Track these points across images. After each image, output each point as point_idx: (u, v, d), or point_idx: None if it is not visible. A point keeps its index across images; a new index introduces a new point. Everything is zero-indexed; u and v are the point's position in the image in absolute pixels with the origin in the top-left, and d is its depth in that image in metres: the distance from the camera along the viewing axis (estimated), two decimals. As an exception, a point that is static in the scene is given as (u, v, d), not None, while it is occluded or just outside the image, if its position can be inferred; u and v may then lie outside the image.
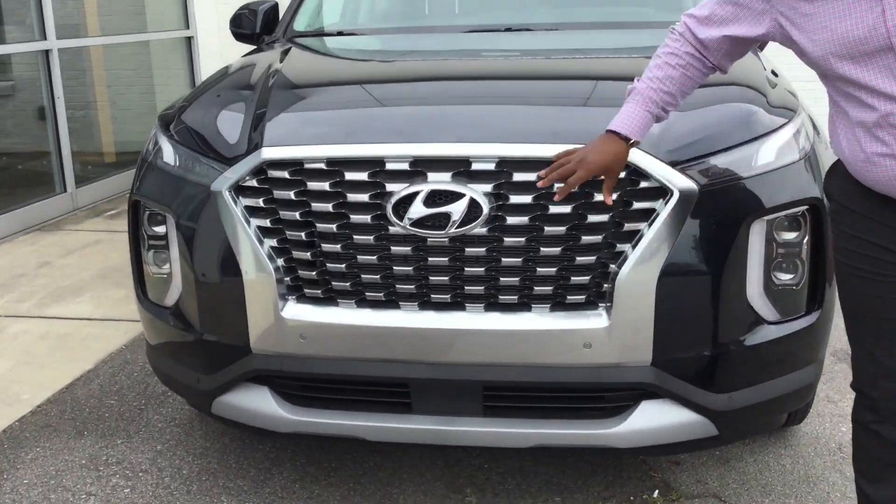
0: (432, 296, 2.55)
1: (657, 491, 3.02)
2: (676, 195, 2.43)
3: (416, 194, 2.46)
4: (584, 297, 2.50)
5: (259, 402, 2.74)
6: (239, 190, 2.62)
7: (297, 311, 2.61)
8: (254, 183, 2.61)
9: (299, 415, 2.71)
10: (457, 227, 2.45)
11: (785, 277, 2.63)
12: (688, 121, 2.58)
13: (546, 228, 2.46)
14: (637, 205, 2.46)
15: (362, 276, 2.56)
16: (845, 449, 3.23)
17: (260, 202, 2.60)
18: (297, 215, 2.57)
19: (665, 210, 2.44)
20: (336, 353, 2.61)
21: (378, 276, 2.55)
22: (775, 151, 2.60)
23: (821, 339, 2.74)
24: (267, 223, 2.60)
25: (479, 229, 2.46)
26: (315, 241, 2.58)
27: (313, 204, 2.55)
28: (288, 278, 2.61)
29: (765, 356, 2.62)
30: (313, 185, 2.55)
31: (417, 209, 2.46)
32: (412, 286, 2.54)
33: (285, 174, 2.57)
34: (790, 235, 2.61)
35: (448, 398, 2.63)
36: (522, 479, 3.11)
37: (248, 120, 2.75)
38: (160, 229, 2.88)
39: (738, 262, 2.52)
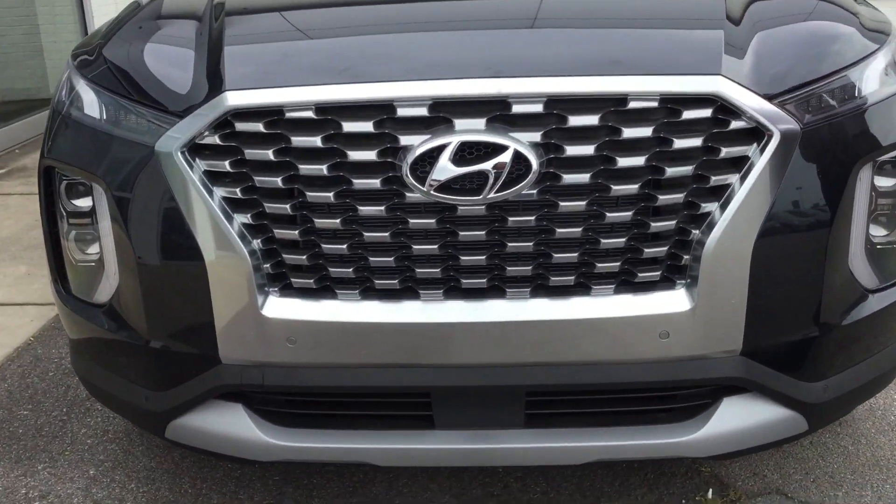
0: (463, 280, 1.95)
1: (711, 490, 2.53)
2: (777, 137, 1.89)
3: (441, 148, 1.85)
4: (658, 273, 1.94)
5: (232, 425, 2.11)
6: (195, 150, 1.96)
7: (282, 308, 1.98)
8: (216, 140, 1.95)
9: (286, 438, 2.09)
10: (497, 191, 1.85)
11: (883, 234, 2.12)
12: (780, 40, 2.03)
13: (613, 187, 1.88)
14: (726, 151, 1.90)
15: (370, 258, 1.95)
16: (906, 422, 2.80)
17: (226, 165, 1.94)
18: (279, 181, 1.92)
19: (763, 157, 1.89)
20: (336, 359, 1.99)
21: (392, 259, 1.94)
22: (878, 79, 2.07)
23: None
24: (237, 193, 1.95)
25: (527, 191, 1.87)
26: (305, 214, 1.94)
27: (301, 166, 1.91)
28: (268, 264, 1.98)
29: (865, 331, 2.13)
30: (299, 141, 1.91)
31: (444, 168, 1.84)
32: (437, 269, 1.94)
33: (259, 126, 1.92)
34: (892, 182, 2.10)
35: (481, 408, 2.06)
36: (549, 484, 2.58)
37: (202, 55, 2.07)
38: (83, 203, 2.19)
39: (845, 218, 2.00)
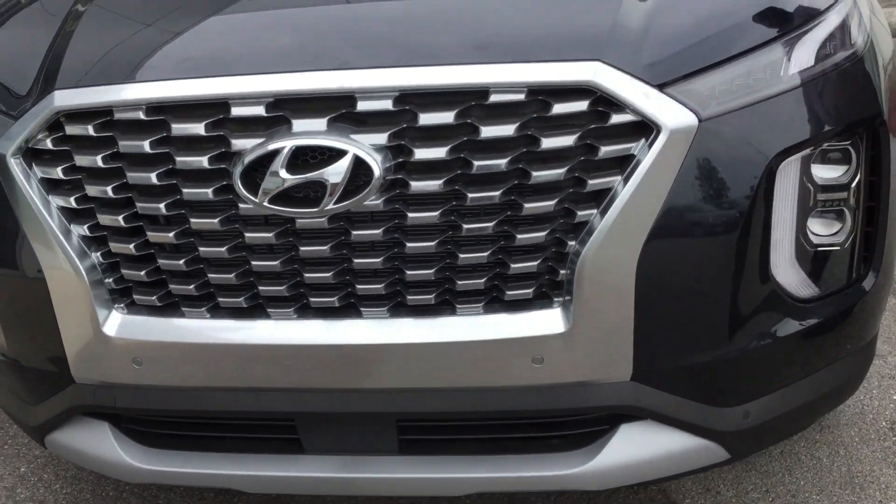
0: (312, 299, 1.75)
1: (653, 508, 2.29)
2: (666, 132, 1.60)
3: (274, 154, 1.63)
4: (531, 290, 1.70)
5: (97, 445, 1.98)
6: (32, 154, 1.80)
7: (125, 326, 1.82)
8: (48, 144, 1.78)
9: (151, 461, 1.95)
10: (336, 202, 1.63)
11: (825, 234, 1.82)
12: (684, 16, 1.72)
13: (470, 195, 1.64)
14: (606, 150, 1.63)
15: (209, 274, 1.76)
16: (900, 429, 2.48)
17: (59, 172, 1.78)
18: (109, 191, 1.75)
19: (648, 156, 1.61)
20: (187, 382, 1.83)
21: (232, 275, 1.75)
22: (814, 52, 1.75)
23: (877, 314, 1.96)
24: (72, 202, 1.79)
25: (371, 201, 1.65)
26: (140, 226, 1.77)
27: (129, 173, 1.73)
28: (111, 279, 1.81)
29: (797, 349, 1.84)
30: (127, 145, 1.72)
31: (276, 177, 1.63)
32: (282, 287, 1.74)
33: (88, 129, 1.74)
34: (835, 174, 1.79)
35: (351, 434, 1.87)
36: (477, 497, 2.38)
37: (49, 54, 1.90)
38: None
39: (759, 222, 1.70)
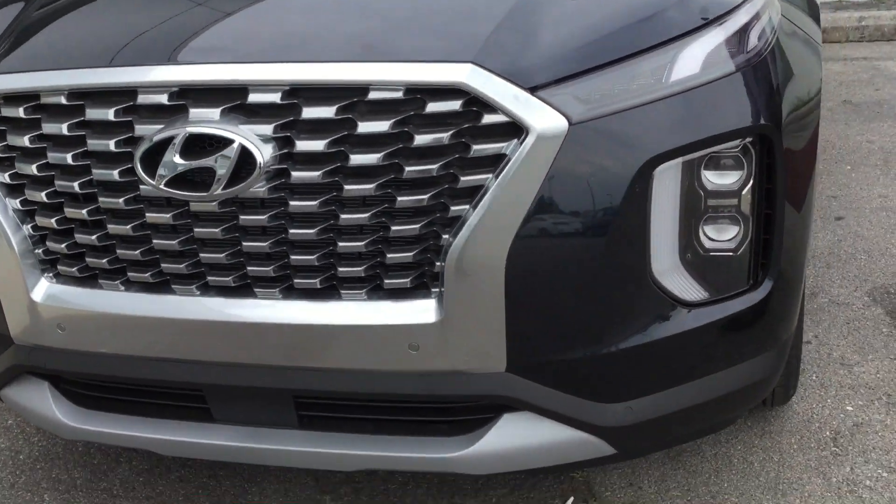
0: (209, 278, 1.87)
1: (572, 498, 2.34)
2: (535, 134, 1.66)
3: (170, 140, 1.75)
4: (408, 280, 1.78)
5: (38, 402, 2.15)
6: (-22, 132, 1.97)
7: (51, 294, 1.97)
8: (-12, 124, 1.95)
9: (82, 420, 2.11)
10: (224, 187, 1.75)
11: (717, 240, 1.84)
12: (569, 17, 1.77)
13: (346, 186, 1.73)
14: (477, 148, 1.70)
15: (118, 250, 1.90)
16: (842, 441, 2.46)
17: (-4, 149, 1.94)
18: (34, 168, 1.90)
19: (517, 156, 1.67)
20: (103, 349, 1.97)
21: (138, 252, 1.88)
22: (703, 58, 1.77)
23: (776, 322, 1.96)
24: (6, 178, 1.95)
25: (256, 189, 1.75)
26: (61, 202, 1.92)
27: (50, 153, 1.88)
28: (40, 250, 1.97)
29: (684, 350, 1.87)
30: (50, 127, 1.87)
31: (171, 162, 1.75)
32: (182, 265, 1.86)
33: (20, 112, 1.89)
34: (725, 180, 1.81)
35: (254, 407, 1.98)
36: (411, 476, 2.47)
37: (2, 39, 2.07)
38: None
39: (634, 224, 1.74)
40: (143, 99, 1.80)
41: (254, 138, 1.72)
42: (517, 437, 1.87)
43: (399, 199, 1.72)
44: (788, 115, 1.85)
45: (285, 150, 1.74)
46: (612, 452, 1.92)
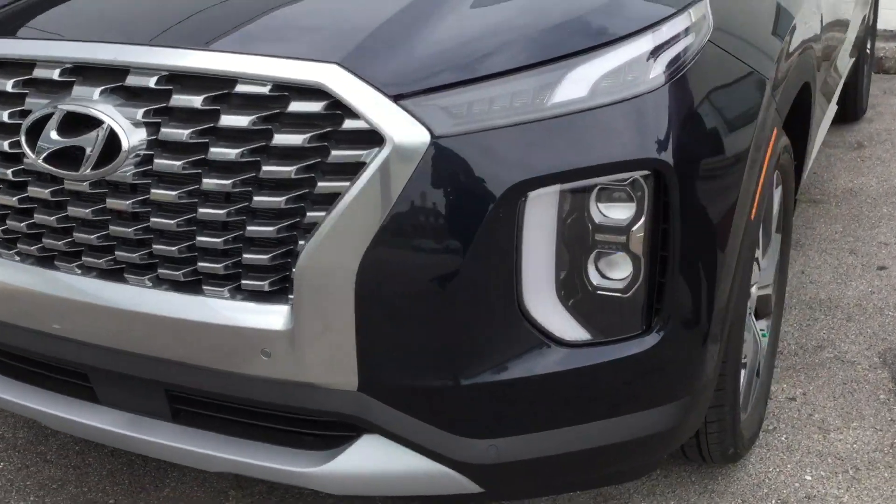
0: (84, 259, 1.85)
1: None
2: (390, 146, 1.56)
3: (49, 117, 1.74)
4: (265, 283, 1.71)
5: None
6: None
7: (-50, 259, 2.00)
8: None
9: (-21, 384, 2.14)
10: (93, 168, 1.72)
11: (606, 278, 1.70)
12: (444, 25, 1.66)
13: (206, 180, 1.67)
14: (336, 154, 1.61)
15: (8, 221, 1.91)
16: (789, 513, 2.25)
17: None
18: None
19: (370, 167, 1.58)
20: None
21: (23, 225, 1.88)
22: (594, 81, 1.63)
23: (673, 374, 1.80)
24: None
25: (122, 172, 1.72)
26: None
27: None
28: (-51, 214, 2.00)
29: (559, 392, 1.74)
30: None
31: (48, 137, 1.74)
32: (61, 242, 1.85)
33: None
34: (614, 216, 1.66)
35: (133, 395, 1.96)
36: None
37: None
38: None
39: (500, 251, 1.62)
40: (37, 73, 1.79)
41: (123, 122, 1.69)
42: (375, 460, 1.78)
43: (256, 198, 1.66)
44: (698, 153, 1.68)
45: (153, 137, 1.70)
46: (479, 490, 1.80)
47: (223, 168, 1.66)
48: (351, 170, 1.61)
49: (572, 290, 1.69)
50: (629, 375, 1.75)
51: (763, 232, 2.23)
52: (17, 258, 1.94)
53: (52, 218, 1.83)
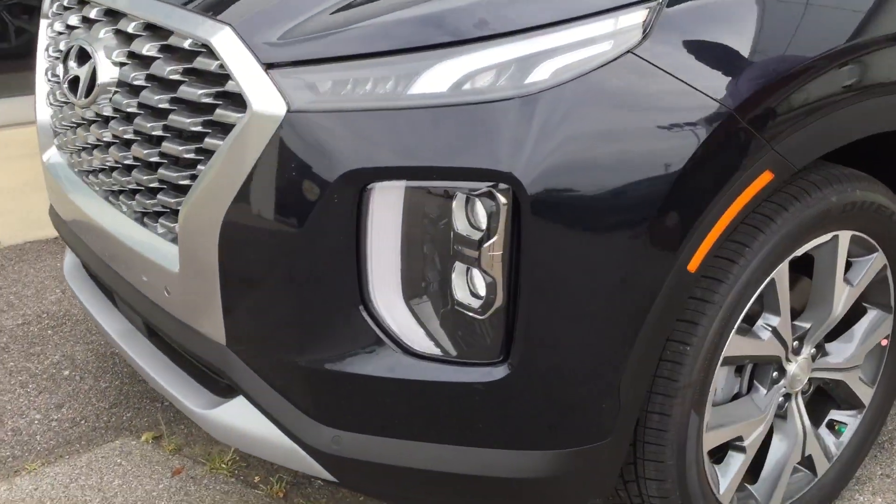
0: (90, 177, 2.10)
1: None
2: (249, 113, 1.59)
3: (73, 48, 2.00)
4: (174, 225, 1.82)
5: None
6: None
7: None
8: None
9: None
10: (84, 96, 1.95)
11: (469, 294, 1.56)
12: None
13: (136, 121, 1.82)
14: (220, 113, 1.66)
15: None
16: None
17: None
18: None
19: (234, 132, 1.61)
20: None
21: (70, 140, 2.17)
22: (459, 77, 1.49)
23: (528, 416, 1.61)
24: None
25: (98, 104, 1.93)
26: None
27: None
28: None
29: (405, 401, 1.64)
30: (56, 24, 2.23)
31: (66, 67, 2.00)
32: (90, 160, 2.10)
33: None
34: (470, 228, 1.52)
35: (127, 308, 2.18)
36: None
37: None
38: None
39: (339, 239, 1.56)
40: (85, 11, 2.06)
41: (104, 60, 1.88)
42: (247, 420, 1.81)
43: (165, 144, 1.76)
44: (569, 176, 1.46)
45: (118, 78, 1.87)
46: (332, 479, 1.77)
47: (152, 113, 1.79)
48: (228, 131, 1.65)
49: (425, 297, 1.58)
50: (477, 405, 1.60)
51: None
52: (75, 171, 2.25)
53: (74, 137, 2.10)
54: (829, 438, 2.14)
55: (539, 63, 1.47)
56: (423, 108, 1.49)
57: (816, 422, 2.14)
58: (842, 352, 2.04)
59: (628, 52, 1.49)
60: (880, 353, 2.14)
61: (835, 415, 2.15)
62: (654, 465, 1.78)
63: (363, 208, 1.54)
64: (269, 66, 1.58)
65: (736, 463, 1.91)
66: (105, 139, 1.94)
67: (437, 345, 1.59)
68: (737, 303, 1.71)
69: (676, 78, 1.50)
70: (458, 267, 1.55)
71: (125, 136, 1.86)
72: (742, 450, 1.91)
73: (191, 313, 1.79)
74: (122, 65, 1.87)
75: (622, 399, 1.63)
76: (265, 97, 1.57)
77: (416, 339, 1.60)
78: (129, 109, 1.83)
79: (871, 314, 2.07)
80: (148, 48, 1.79)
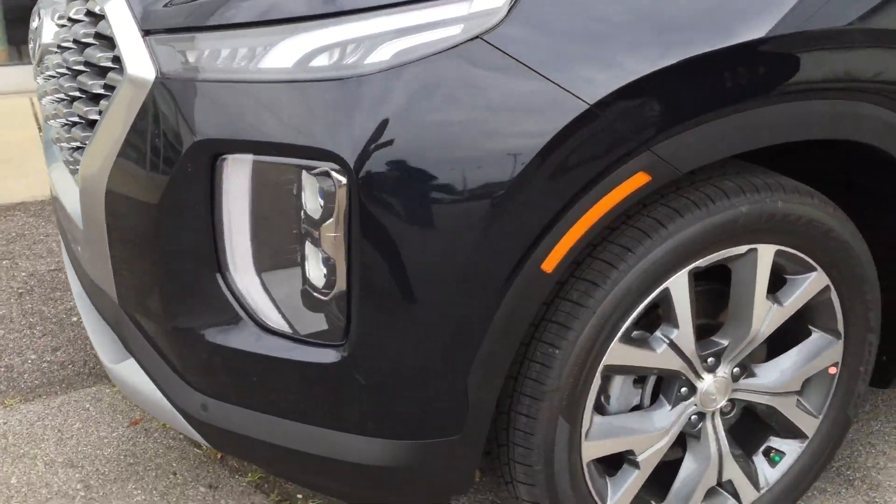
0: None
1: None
2: (126, 78, 1.63)
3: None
4: None
5: None
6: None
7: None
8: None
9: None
10: (38, 63, 2.05)
11: (318, 274, 1.56)
12: None
13: (59, 81, 1.90)
14: (110, 76, 1.72)
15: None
16: None
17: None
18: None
19: (115, 92, 1.66)
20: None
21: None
22: (304, 53, 1.47)
23: (365, 403, 1.58)
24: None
25: (45, 64, 2.02)
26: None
27: None
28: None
29: (258, 375, 1.65)
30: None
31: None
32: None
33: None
34: (311, 207, 1.51)
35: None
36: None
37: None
38: None
39: (195, 210, 1.58)
40: None
41: (48, 23, 1.98)
42: (140, 377, 1.87)
43: (75, 104, 1.83)
44: (398, 162, 1.42)
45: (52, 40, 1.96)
46: (207, 445, 1.80)
47: (73, 74, 1.86)
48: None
49: (278, 273, 1.57)
50: (319, 387, 1.58)
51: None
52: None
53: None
54: (762, 466, 2.00)
55: (383, 43, 1.43)
56: (269, 83, 1.48)
57: (752, 447, 2.00)
58: (771, 375, 1.89)
59: (477, 37, 1.42)
60: (829, 382, 1.97)
61: (774, 442, 2.00)
62: (523, 469, 1.72)
63: (216, 180, 1.54)
64: (147, 33, 1.61)
65: (628, 477, 1.81)
66: (47, 99, 2.03)
67: (288, 322, 1.59)
68: (614, 309, 1.62)
69: (528, 67, 1.43)
70: (310, 246, 1.53)
71: (57, 97, 1.94)
72: (636, 465, 1.81)
73: (94, 270, 1.86)
74: (60, 27, 1.95)
75: (471, 397, 1.57)
76: (139, 62, 1.60)
77: (270, 314, 1.60)
78: (59, 70, 1.91)
79: (815, 338, 1.91)
80: (75, 11, 1.85)
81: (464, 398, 1.57)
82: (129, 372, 1.88)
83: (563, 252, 1.52)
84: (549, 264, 1.51)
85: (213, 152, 1.52)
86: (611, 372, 1.73)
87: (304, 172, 1.49)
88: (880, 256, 1.89)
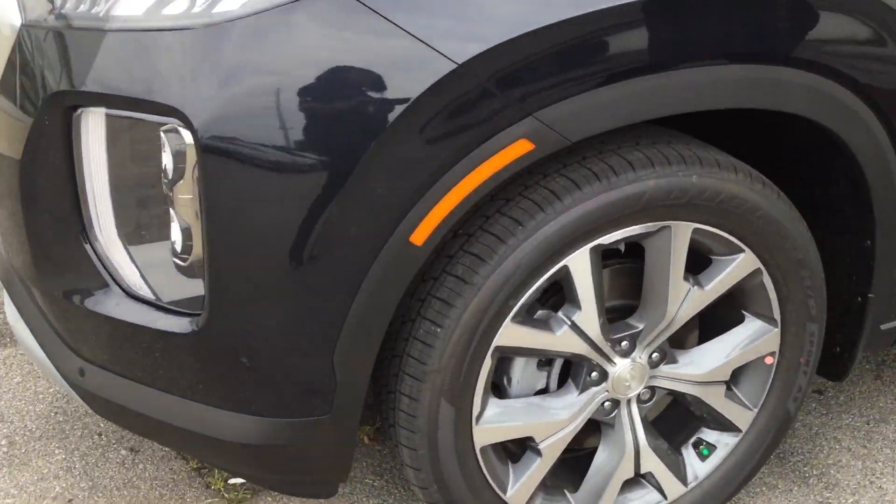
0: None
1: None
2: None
3: None
4: None
5: None
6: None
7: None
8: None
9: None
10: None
11: (174, 238, 1.47)
12: None
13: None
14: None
15: None
16: None
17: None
18: None
19: (-8, 36, 1.59)
20: None
21: None
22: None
23: (221, 376, 1.50)
24: None
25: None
26: None
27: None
28: None
29: (123, 341, 1.58)
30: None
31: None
32: None
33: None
34: (168, 165, 1.42)
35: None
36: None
37: None
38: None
39: (56, 168, 1.50)
40: None
41: None
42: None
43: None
44: (244, 117, 1.31)
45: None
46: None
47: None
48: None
49: (142, 236, 1.49)
50: (178, 356, 1.50)
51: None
52: None
53: None
54: (691, 460, 1.86)
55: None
56: (120, 32, 1.39)
57: (681, 440, 1.87)
58: (694, 362, 1.75)
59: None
60: (765, 373, 1.82)
61: (705, 434, 1.87)
62: (409, 452, 1.62)
63: (73, 135, 1.46)
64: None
65: (530, 465, 1.70)
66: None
67: (151, 289, 1.51)
68: (501, 287, 1.50)
69: (389, 21, 1.30)
70: (171, 210, 1.44)
71: None
72: (538, 452, 1.69)
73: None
74: None
75: (339, 375, 1.47)
76: (10, 8, 1.52)
77: (135, 280, 1.52)
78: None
79: (748, 325, 1.76)
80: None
81: (330, 375, 1.47)
82: (24, 328, 1.82)
83: (435, 223, 1.40)
84: (419, 236, 1.40)
85: (68, 105, 1.44)
86: (506, 354, 1.61)
87: (161, 130, 1.39)
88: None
